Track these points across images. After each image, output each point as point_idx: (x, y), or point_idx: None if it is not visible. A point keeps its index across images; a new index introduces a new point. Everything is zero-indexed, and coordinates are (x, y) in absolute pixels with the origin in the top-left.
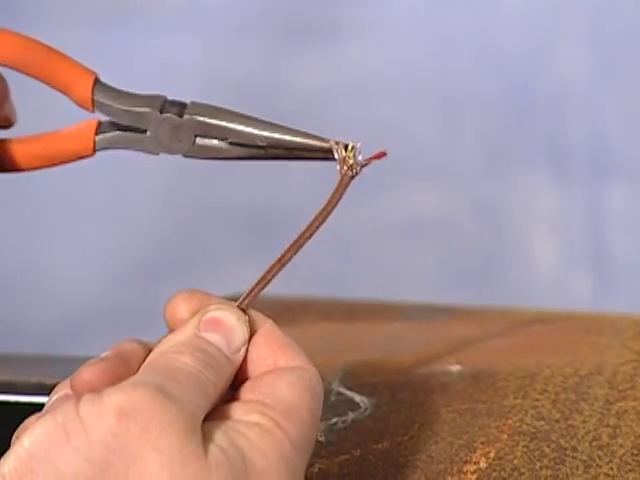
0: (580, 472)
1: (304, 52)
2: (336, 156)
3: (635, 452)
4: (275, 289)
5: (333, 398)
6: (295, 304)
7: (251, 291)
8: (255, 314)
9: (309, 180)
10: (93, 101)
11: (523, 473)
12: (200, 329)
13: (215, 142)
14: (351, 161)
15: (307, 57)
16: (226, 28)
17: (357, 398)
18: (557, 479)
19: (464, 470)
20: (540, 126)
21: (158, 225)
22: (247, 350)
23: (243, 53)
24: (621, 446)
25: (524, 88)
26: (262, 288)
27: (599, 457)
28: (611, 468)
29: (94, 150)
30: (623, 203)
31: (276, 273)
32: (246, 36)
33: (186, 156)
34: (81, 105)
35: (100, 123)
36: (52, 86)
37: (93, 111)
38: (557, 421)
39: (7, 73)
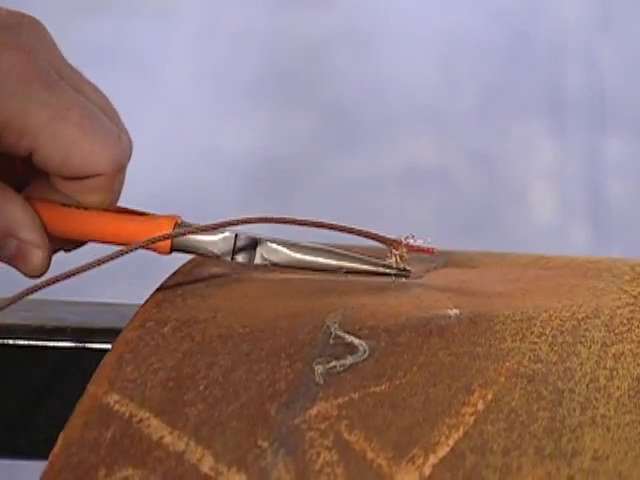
0: (577, 414)
1: (304, 3)
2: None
3: (632, 394)
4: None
5: (332, 342)
6: None
7: None
8: None
9: (309, 128)
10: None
11: (520, 415)
12: None
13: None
14: (402, 265)
15: (307, 8)
16: None
17: (356, 342)
18: (554, 421)
19: (462, 412)
20: (538, 76)
21: (158, 174)
22: None
23: (243, 4)
24: (618, 388)
25: (522, 39)
26: None
27: (596, 399)
28: (608, 410)
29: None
30: (620, 152)
31: None
32: None
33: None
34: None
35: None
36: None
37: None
38: (554, 364)
39: None
